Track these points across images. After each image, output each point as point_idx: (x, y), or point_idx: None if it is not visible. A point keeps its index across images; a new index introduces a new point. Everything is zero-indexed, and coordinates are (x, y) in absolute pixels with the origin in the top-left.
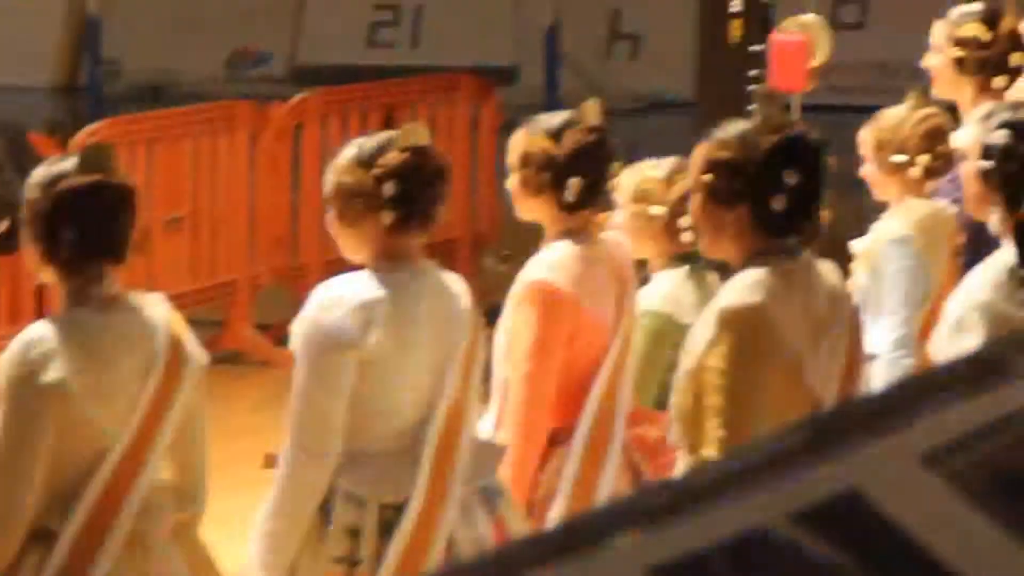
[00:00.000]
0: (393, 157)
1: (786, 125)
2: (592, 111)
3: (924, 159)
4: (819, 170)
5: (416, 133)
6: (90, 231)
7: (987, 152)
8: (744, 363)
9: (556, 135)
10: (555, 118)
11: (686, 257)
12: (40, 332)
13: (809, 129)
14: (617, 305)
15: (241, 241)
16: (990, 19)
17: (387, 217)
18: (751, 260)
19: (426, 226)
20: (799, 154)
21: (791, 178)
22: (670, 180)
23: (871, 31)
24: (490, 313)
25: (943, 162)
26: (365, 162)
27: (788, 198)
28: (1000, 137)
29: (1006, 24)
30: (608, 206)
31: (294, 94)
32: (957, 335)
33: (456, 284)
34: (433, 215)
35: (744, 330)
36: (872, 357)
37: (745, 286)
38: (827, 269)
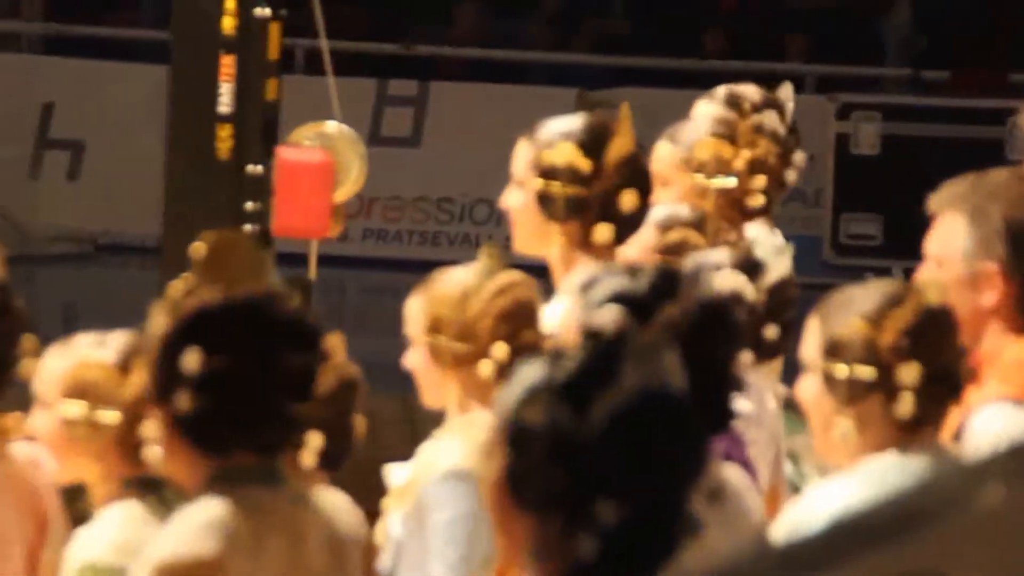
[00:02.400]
0: None
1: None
2: None
3: (501, 350)
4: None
5: None
6: None
7: (589, 337)
8: None
9: None
10: None
11: (149, 483)
12: None
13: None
14: (31, 557)
15: None
16: (592, 140)
17: None
18: (207, 486)
19: None
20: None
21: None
22: (123, 366)
23: (426, 150)
24: None
25: (528, 354)
26: None
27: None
28: (608, 316)
29: (616, 148)
30: (15, 404)
31: None
32: None
33: None
34: None
35: None
36: None
37: (191, 529)
38: (334, 503)
